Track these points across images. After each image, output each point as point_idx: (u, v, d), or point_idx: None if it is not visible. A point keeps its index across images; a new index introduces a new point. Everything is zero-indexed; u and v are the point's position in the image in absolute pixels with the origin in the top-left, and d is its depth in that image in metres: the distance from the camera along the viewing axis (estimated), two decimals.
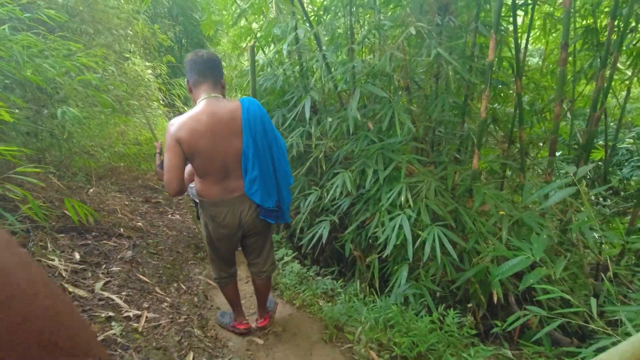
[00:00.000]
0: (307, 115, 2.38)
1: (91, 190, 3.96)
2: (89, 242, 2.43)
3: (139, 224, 3.13)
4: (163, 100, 8.29)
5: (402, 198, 2.37)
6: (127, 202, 3.86)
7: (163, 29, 6.41)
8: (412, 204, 2.34)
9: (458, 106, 2.82)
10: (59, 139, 3.61)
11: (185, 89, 9.22)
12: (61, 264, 1.97)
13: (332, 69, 2.80)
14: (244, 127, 1.51)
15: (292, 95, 3.34)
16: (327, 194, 2.82)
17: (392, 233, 2.27)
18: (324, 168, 2.89)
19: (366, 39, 2.86)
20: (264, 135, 1.56)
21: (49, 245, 2.14)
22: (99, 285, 1.90)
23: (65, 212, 2.64)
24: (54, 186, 3.13)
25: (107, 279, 2.01)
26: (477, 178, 2.58)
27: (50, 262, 1.94)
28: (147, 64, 7.22)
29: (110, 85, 4.46)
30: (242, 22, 4.63)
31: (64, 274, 1.89)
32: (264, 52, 4.22)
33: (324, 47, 2.80)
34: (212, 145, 1.48)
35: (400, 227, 2.26)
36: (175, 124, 1.47)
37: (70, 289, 1.78)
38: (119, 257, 2.41)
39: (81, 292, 1.79)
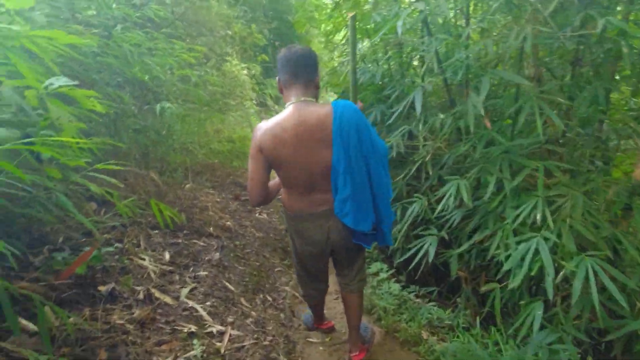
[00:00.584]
0: (419, 110, 1.98)
1: (187, 185, 4.08)
2: (180, 240, 2.37)
3: (228, 223, 3.05)
4: (256, 100, 8.57)
5: (538, 216, 1.85)
6: (218, 199, 3.88)
7: (259, 27, 6.51)
8: (551, 225, 1.81)
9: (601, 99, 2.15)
10: (160, 135, 3.77)
11: (276, 89, 9.47)
12: (151, 264, 1.89)
13: (443, 59, 2.37)
14: (334, 137, 1.30)
15: (393, 89, 2.97)
16: (433, 203, 2.40)
17: (524, 260, 1.77)
18: (430, 173, 2.46)
19: (486, 18, 2.35)
20: (359, 146, 1.33)
21: (141, 242, 2.10)
22: (184, 291, 1.77)
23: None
24: (154, 182, 3.22)
25: (194, 285, 1.88)
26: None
27: (142, 261, 1.87)
28: (242, 64, 7.47)
29: (209, 85, 4.59)
30: (336, 15, 4.41)
31: (152, 276, 1.79)
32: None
33: (433, 35, 2.37)
34: (296, 155, 1.33)
35: (536, 252, 1.76)
36: (260, 129, 1.36)
37: (157, 294, 1.66)
38: (206, 258, 2.30)
39: (167, 299, 1.66)
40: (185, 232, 2.57)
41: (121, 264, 1.79)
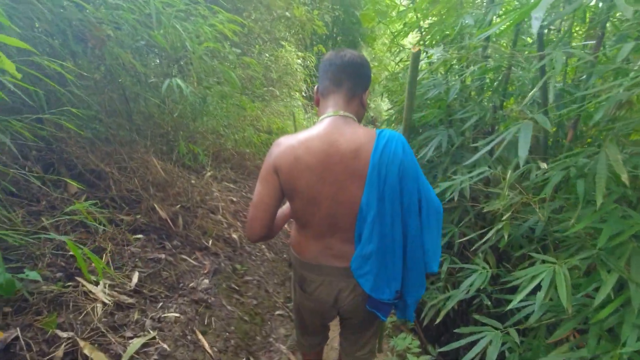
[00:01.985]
0: (524, 153, 1.29)
1: (209, 174, 3.63)
2: (163, 255, 1.86)
3: (234, 235, 2.52)
4: (305, 92, 8.08)
5: None
6: (234, 198, 3.38)
7: (321, 14, 5.94)
8: None
9: None
10: (184, 115, 3.32)
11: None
12: (104, 293, 1.38)
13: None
14: (369, 173, 1.00)
15: (469, 113, 2.30)
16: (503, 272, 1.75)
17: None
18: (505, 237, 1.78)
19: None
20: (398, 192, 1.02)
21: (108, 254, 1.60)
22: (132, 348, 1.24)
23: (155, 205, 2.16)
24: (166, 167, 2.76)
25: (152, 335, 1.34)
26: None
27: (92, 287, 1.36)
28: (298, 53, 7.00)
29: (250, 69, 4.10)
30: (410, 15, 3.77)
31: (96, 314, 1.28)
32: (426, 53, 3.23)
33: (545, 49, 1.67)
34: (319, 187, 1.03)
35: None
36: (279, 146, 1.06)
37: (87, 350, 1.13)
38: (189, 286, 1.78)
39: None
40: (176, 242, 2.07)
41: (59, 288, 1.29)
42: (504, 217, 1.74)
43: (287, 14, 5.19)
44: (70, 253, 1.50)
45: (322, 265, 1.13)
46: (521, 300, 1.60)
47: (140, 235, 1.94)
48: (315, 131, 1.03)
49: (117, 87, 2.40)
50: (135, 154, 2.39)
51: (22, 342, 1.03)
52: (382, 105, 18.27)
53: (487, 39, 2.34)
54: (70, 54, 2.06)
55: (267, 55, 5.95)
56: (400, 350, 1.92)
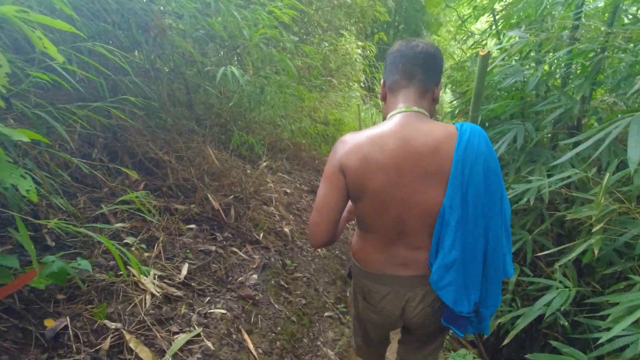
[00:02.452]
0: (637, 155, 1.03)
1: (264, 164, 3.62)
2: (214, 247, 1.84)
3: (286, 228, 2.46)
4: (364, 83, 7.87)
5: None
6: (288, 190, 3.33)
7: (383, 1, 5.65)
8: None
9: None
10: (242, 105, 3.32)
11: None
12: (154, 285, 1.37)
13: None
14: (453, 173, 0.90)
15: (554, 105, 1.99)
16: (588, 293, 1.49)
17: None
18: (595, 253, 1.50)
19: None
20: (484, 193, 0.91)
21: (161, 244, 1.60)
22: (176, 345, 1.20)
23: (209, 195, 2.15)
24: (222, 157, 2.78)
25: (198, 331, 1.31)
26: None
27: (143, 278, 1.35)
28: (358, 43, 6.80)
29: (308, 57, 4.00)
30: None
31: (145, 306, 1.26)
32: (499, 38, 2.87)
33: None
34: (391, 188, 0.93)
35: None
36: (346, 143, 0.97)
37: (133, 344, 1.11)
38: (238, 280, 1.74)
39: (144, 355, 1.11)
40: (227, 234, 2.05)
41: (111, 278, 1.30)
42: (595, 229, 1.46)
43: (348, 0, 4.99)
44: (125, 241, 1.52)
45: (387, 274, 1.05)
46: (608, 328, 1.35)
47: (193, 225, 1.94)
48: (387, 128, 0.94)
49: (178, 77, 2.42)
50: (192, 143, 2.41)
51: (71, 332, 1.03)
52: (443, 97, 17.37)
53: (578, 18, 2.00)
54: (134, 43, 2.10)
55: (326, 44, 5.83)
56: None
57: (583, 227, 1.99)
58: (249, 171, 3.20)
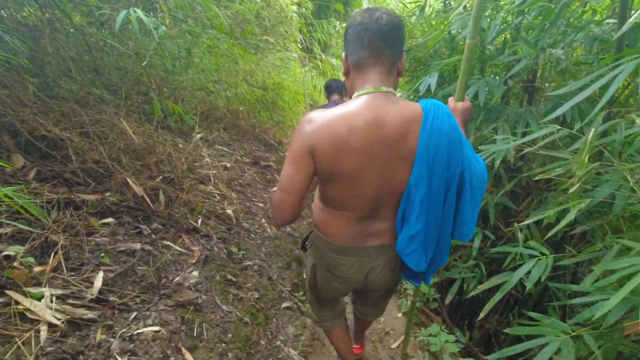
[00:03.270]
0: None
1: (198, 136, 3.18)
2: (139, 243, 1.48)
3: (229, 210, 2.14)
4: (301, 44, 7.40)
5: None
6: (228, 164, 2.97)
7: None
8: None
9: None
10: (166, 66, 2.80)
11: (327, 34, 8.14)
12: (51, 313, 1.01)
13: None
14: (419, 152, 0.92)
15: (516, 57, 1.85)
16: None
17: None
18: (573, 217, 1.41)
19: None
20: (446, 169, 0.95)
21: (59, 250, 1.21)
22: None
23: (129, 179, 1.74)
24: (145, 131, 2.32)
25: None
26: None
27: (32, 306, 0.99)
28: None
29: (234, 10, 3.50)
30: None
31: (32, 349, 0.91)
32: None
33: None
34: (364, 168, 0.93)
35: None
36: (313, 122, 0.91)
37: None
38: (174, 281, 1.42)
39: None
40: (156, 224, 1.68)
41: None
42: (573, 189, 1.35)
43: None
44: (5, 253, 1.11)
45: (358, 246, 1.09)
46: (585, 293, 1.29)
47: (109, 219, 1.55)
48: (356, 107, 0.92)
49: (78, 34, 1.89)
50: (102, 116, 1.94)
51: None
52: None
53: None
54: None
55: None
56: (436, 351, 1.61)
57: (552, 187, 1.94)
58: (180, 145, 2.77)
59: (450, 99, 1.24)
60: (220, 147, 3.32)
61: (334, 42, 8.65)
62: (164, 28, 1.67)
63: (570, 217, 1.37)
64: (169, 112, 2.86)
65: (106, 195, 1.66)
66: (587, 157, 1.20)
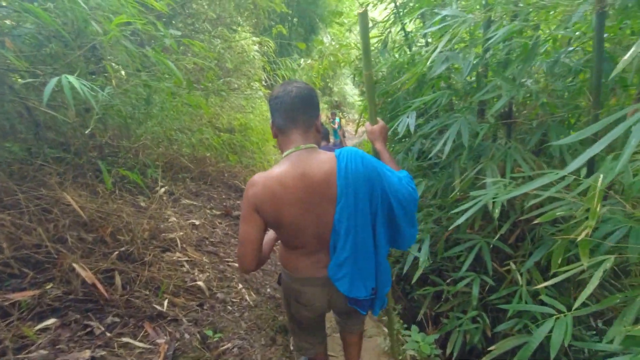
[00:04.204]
0: None
1: (162, 190, 2.92)
2: (90, 349, 1.20)
3: (200, 282, 1.88)
4: (265, 81, 7.35)
5: None
6: (197, 222, 2.71)
7: None
8: None
9: None
10: (126, 122, 2.57)
11: (291, 70, 8.18)
12: None
13: None
14: (339, 194, 1.11)
15: (495, 93, 1.77)
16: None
17: None
18: (585, 267, 1.27)
19: None
20: (368, 204, 1.14)
21: None
22: None
23: (76, 264, 1.47)
24: (99, 195, 2.05)
25: None
26: None
27: None
28: (254, 38, 6.26)
29: (197, 56, 3.36)
30: None
31: None
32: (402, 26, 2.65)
33: None
34: (301, 215, 1.13)
35: None
36: (255, 185, 1.11)
37: None
38: None
39: None
40: (111, 317, 1.40)
41: None
42: (581, 236, 1.21)
43: None
44: None
45: (314, 277, 1.25)
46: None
47: (50, 321, 1.26)
48: (285, 167, 1.11)
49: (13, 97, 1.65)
50: (40, 191, 1.67)
51: None
52: (345, 88, 17.66)
53: None
54: None
55: (219, 41, 5.17)
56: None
57: (545, 229, 1.82)
58: (143, 204, 2.50)
59: (367, 124, 1.43)
60: (187, 202, 3.06)
61: (297, 78, 8.69)
62: (110, 88, 1.46)
63: (581, 267, 1.24)
64: (127, 167, 2.60)
65: (47, 288, 1.38)
66: (599, 205, 1.08)
